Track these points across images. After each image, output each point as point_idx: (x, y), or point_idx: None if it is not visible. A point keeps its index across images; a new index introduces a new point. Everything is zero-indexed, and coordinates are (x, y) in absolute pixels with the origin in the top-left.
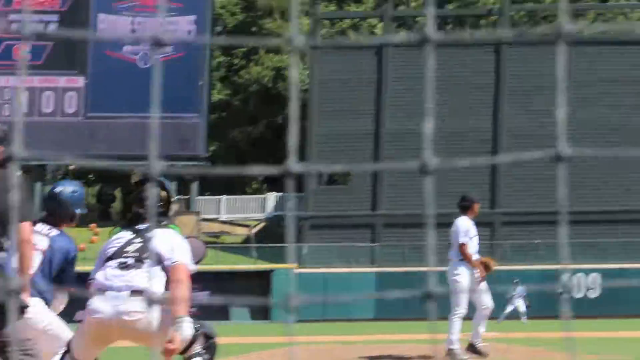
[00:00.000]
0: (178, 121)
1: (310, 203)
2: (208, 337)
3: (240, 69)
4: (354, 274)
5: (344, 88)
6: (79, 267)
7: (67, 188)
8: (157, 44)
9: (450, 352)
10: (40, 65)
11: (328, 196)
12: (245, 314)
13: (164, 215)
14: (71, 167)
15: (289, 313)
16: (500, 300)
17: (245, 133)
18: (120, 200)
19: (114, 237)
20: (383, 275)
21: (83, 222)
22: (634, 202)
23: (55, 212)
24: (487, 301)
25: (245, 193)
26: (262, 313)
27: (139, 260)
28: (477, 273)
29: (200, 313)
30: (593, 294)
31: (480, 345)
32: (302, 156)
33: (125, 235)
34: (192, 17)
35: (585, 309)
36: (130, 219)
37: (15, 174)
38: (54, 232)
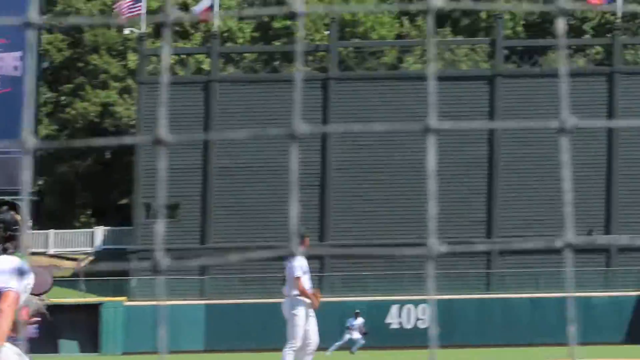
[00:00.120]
0: (5, 157)
1: (139, 236)
2: None
3: (67, 105)
4: (183, 307)
5: (172, 123)
6: None
7: None
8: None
9: None
10: None
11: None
12: (74, 346)
13: (10, 241)
14: None
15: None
16: (332, 331)
17: (73, 168)
18: None
19: None
20: (212, 308)
21: None
22: (454, 234)
23: None
24: (314, 337)
25: (73, 227)
26: (91, 345)
27: None
28: (311, 306)
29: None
30: (423, 325)
31: None
32: (129, 191)
33: None
34: (18, 54)
35: (416, 340)
36: None
37: None
38: None
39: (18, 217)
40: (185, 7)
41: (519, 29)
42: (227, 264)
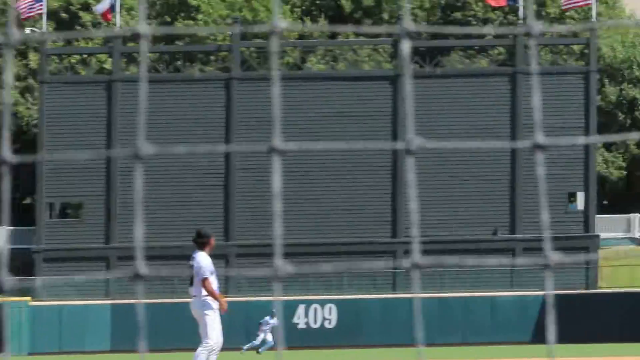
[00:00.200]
0: None
1: (43, 236)
2: None
3: None
4: (89, 306)
5: (73, 122)
6: None
7: None
8: None
9: None
10: None
11: (61, 229)
12: None
13: None
14: None
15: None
16: (238, 331)
17: None
18: None
19: None
20: (118, 307)
21: None
22: (359, 234)
23: None
24: (219, 337)
25: None
26: None
27: None
28: (220, 307)
29: None
30: (329, 325)
31: None
32: (33, 189)
33: None
34: None
35: (322, 340)
36: None
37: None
38: None
39: None
40: (86, 7)
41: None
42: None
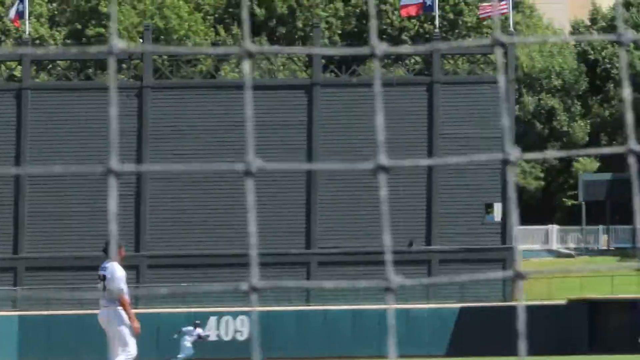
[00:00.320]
0: None
1: None
2: None
3: None
4: None
5: None
6: None
7: None
8: None
9: None
10: None
11: None
12: None
13: None
14: None
15: None
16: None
17: None
18: None
19: None
20: (26, 319)
21: None
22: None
23: None
24: (133, 348)
25: None
26: None
27: None
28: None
29: None
30: (241, 337)
31: None
32: None
33: None
34: None
35: (234, 353)
36: None
37: None
38: None
39: None
40: None
41: (336, 38)
42: (40, 275)
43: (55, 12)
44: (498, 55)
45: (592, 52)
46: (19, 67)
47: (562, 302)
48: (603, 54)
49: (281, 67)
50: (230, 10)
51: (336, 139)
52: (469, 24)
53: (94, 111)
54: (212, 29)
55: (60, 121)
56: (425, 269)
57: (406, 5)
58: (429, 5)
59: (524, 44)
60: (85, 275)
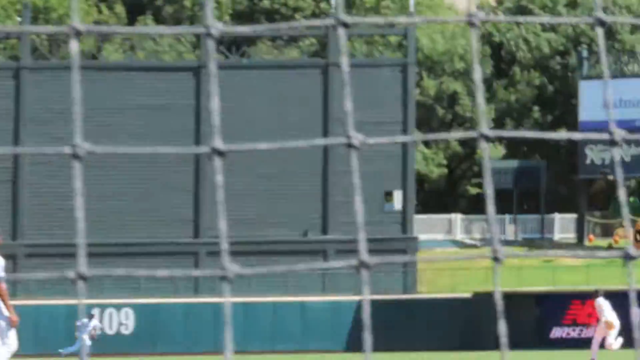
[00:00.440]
0: None
1: None
2: None
3: None
4: None
5: None
6: None
7: None
8: None
9: None
10: None
11: None
12: None
13: None
14: None
15: None
16: (26, 337)
17: None
18: None
19: None
20: None
21: None
22: (159, 234)
23: None
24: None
25: None
26: None
27: None
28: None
29: None
30: (126, 331)
31: None
32: None
33: None
34: None
35: (118, 347)
36: None
37: None
38: None
39: None
40: None
41: (226, 18)
42: None
43: None
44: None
45: (496, 34)
46: None
47: (467, 295)
48: (508, 36)
49: (167, 49)
50: None
51: (226, 123)
52: (367, 5)
53: None
54: (95, 7)
55: None
56: (322, 260)
57: None
58: None
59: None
60: None
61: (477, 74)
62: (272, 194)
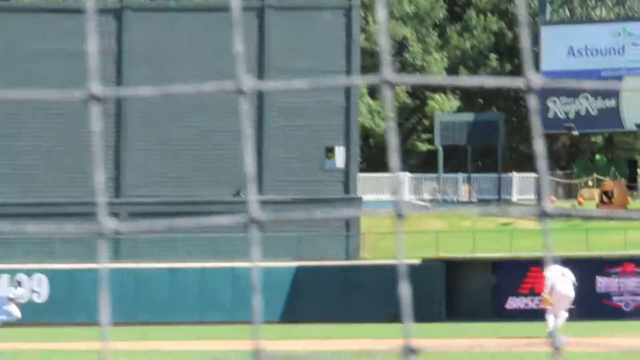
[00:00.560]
0: None
1: None
2: None
3: None
4: None
5: None
6: None
7: None
8: None
9: None
10: None
11: None
12: None
13: None
14: None
15: None
16: None
17: None
18: None
19: None
20: None
21: None
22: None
23: None
24: None
25: None
26: None
27: None
28: None
29: None
30: (39, 299)
31: None
32: None
33: None
34: None
35: (30, 317)
36: None
37: None
38: None
39: None
40: None
41: None
42: None
43: None
44: None
45: None
46: None
47: (416, 261)
48: None
49: None
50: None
51: (154, 70)
52: None
53: None
54: None
55: None
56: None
57: None
58: None
59: None
60: None
61: (381, 14)
62: (201, 150)
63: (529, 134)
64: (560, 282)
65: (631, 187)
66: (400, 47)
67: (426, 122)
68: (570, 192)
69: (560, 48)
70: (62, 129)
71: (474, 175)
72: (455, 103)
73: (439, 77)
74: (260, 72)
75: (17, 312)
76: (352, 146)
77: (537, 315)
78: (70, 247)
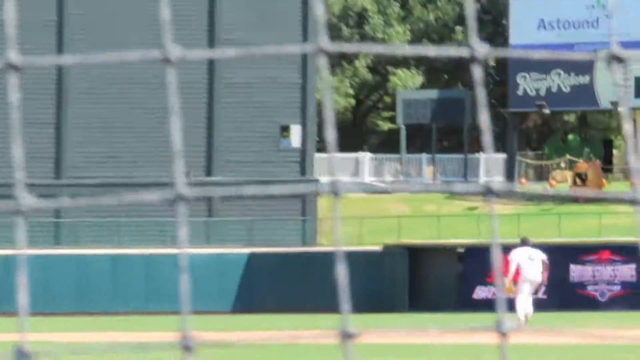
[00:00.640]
0: None
1: None
2: None
3: None
4: None
5: None
6: None
7: None
8: None
9: None
10: None
11: None
12: None
13: None
14: None
15: None
16: None
17: None
18: None
19: None
20: None
21: None
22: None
23: None
24: None
25: None
26: None
27: None
28: None
29: None
30: None
31: None
32: None
33: None
34: None
35: None
36: None
37: None
38: None
39: None
40: None
41: None
42: None
43: None
44: None
45: None
46: None
47: (377, 247)
48: None
49: None
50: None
51: (95, 43)
52: None
53: None
54: None
55: None
56: (205, 206)
57: None
58: None
59: None
60: None
61: None
62: (145, 130)
63: (498, 113)
64: (528, 267)
65: (606, 170)
66: (359, 18)
67: (388, 99)
68: (541, 174)
69: (531, 21)
70: None
71: (438, 155)
72: (418, 79)
73: (379, 46)
74: (211, 46)
75: None
76: (308, 124)
77: (507, 305)
78: (4, 232)
